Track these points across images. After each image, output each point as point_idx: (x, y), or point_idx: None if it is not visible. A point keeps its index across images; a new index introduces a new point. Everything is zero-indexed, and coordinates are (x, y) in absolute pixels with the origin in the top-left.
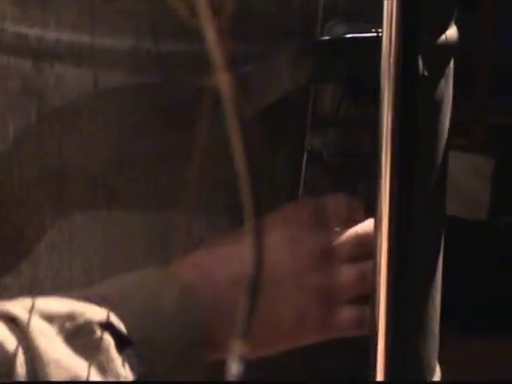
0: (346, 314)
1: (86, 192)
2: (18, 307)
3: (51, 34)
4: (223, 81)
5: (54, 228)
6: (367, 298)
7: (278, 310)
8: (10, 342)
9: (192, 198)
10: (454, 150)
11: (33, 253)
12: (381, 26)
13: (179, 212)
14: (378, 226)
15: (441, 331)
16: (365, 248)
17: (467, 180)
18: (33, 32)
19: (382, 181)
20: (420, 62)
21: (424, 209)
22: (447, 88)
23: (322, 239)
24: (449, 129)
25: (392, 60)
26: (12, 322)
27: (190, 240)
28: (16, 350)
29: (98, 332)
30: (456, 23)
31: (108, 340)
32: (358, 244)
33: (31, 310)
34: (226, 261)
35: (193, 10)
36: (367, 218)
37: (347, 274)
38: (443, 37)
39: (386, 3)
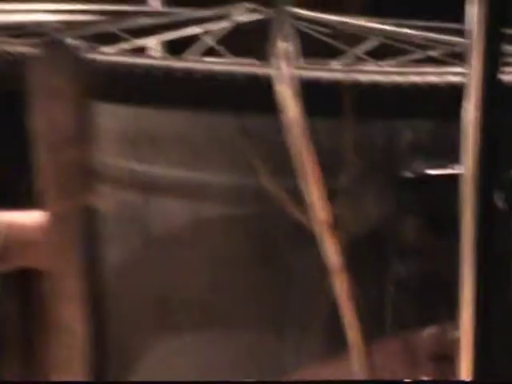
0: None
1: (185, 314)
2: None
3: (158, 170)
4: (340, 281)
5: (156, 347)
6: None
7: None
8: None
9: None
10: None
11: (134, 370)
12: (460, 163)
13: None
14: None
15: None
16: None
17: None
18: (141, 167)
19: (464, 308)
20: (499, 197)
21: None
22: None
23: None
24: None
25: (471, 194)
26: None
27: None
28: None
29: None
30: None
31: None
32: None
33: None
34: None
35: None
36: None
37: None
38: None
39: (464, 143)
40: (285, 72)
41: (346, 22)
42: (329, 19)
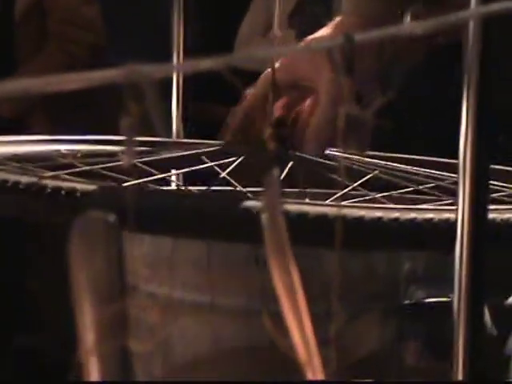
0: None
1: None
2: None
3: (177, 293)
4: None
5: None
6: None
7: None
8: None
9: None
10: None
11: None
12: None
13: None
14: None
15: None
16: None
17: None
18: (161, 290)
19: None
20: (488, 321)
21: None
22: None
23: None
24: None
25: (462, 320)
26: None
27: None
28: None
29: None
30: None
31: None
32: None
33: None
34: None
35: None
36: None
37: None
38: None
39: (457, 274)
40: (270, 203)
41: (348, 157)
42: (331, 153)
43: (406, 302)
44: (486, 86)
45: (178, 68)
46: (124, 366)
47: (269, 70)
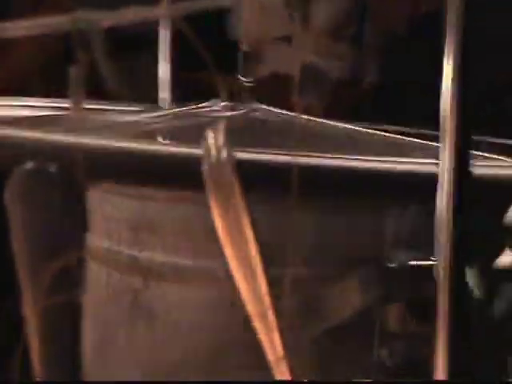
0: None
1: None
2: None
3: (158, 256)
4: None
5: None
6: None
7: None
8: None
9: None
10: None
11: None
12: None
13: None
14: None
15: None
16: None
17: None
18: (143, 255)
19: None
20: (472, 287)
21: None
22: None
23: None
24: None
25: (446, 286)
26: None
27: None
28: None
29: None
30: None
31: None
32: None
33: None
34: None
35: None
36: None
37: None
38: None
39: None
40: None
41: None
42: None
43: (390, 264)
44: (465, 44)
45: (126, 14)
46: (70, 321)
47: None
